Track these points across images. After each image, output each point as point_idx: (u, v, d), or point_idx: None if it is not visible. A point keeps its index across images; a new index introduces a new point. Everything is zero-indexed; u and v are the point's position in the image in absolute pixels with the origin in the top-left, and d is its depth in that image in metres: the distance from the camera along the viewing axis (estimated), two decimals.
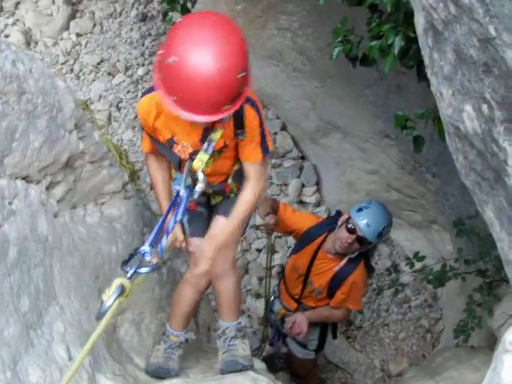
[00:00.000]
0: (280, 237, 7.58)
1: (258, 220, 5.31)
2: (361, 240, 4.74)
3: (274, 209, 5.07)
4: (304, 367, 5.88)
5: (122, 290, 2.65)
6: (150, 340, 4.12)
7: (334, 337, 5.74)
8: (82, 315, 3.14)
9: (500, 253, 2.17)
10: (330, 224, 5.05)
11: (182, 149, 3.38)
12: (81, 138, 3.48)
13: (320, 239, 5.05)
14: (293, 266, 5.26)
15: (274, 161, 7.88)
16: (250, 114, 3.22)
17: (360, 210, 4.79)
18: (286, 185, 7.91)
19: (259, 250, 7.57)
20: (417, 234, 7.39)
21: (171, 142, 3.37)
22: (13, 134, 2.74)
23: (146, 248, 3.03)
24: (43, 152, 3.01)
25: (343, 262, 4.95)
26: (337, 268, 4.97)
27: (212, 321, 5.30)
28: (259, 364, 4.10)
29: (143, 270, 2.97)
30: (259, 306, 7.00)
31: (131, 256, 3.01)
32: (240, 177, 3.61)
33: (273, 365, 5.77)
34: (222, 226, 3.54)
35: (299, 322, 5.11)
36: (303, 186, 8.04)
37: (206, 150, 3.30)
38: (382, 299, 7.33)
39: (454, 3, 1.78)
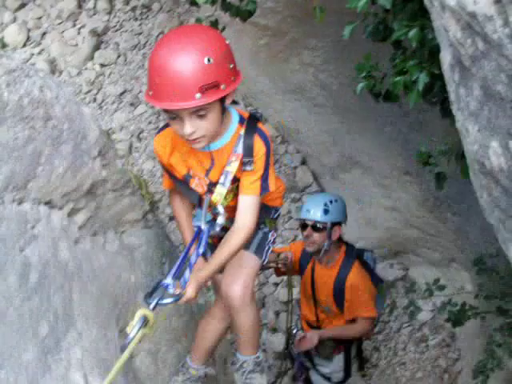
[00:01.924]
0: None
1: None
2: (315, 227, 4.98)
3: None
4: None
5: (144, 321, 2.65)
6: (165, 371, 4.08)
7: (361, 368, 5.71)
8: (100, 343, 3.13)
9: None
10: None
11: (198, 182, 3.37)
12: (104, 166, 3.49)
13: (313, 257, 5.33)
14: (303, 291, 5.46)
15: (293, 195, 7.88)
16: (258, 144, 3.17)
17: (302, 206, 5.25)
18: None
19: (276, 284, 7.55)
20: (435, 272, 7.32)
21: (187, 177, 3.37)
22: (38, 159, 2.76)
23: (168, 281, 3.04)
24: (67, 178, 3.03)
25: (323, 250, 5.10)
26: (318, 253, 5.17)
27: (228, 353, 5.25)
28: None
29: (165, 301, 2.97)
30: (275, 340, 6.95)
31: (154, 289, 3.01)
32: (259, 211, 3.62)
33: None
34: (210, 261, 3.38)
35: (310, 336, 5.17)
36: None
37: (223, 184, 3.27)
38: (400, 337, 7.27)
39: (482, 39, 1.78)
